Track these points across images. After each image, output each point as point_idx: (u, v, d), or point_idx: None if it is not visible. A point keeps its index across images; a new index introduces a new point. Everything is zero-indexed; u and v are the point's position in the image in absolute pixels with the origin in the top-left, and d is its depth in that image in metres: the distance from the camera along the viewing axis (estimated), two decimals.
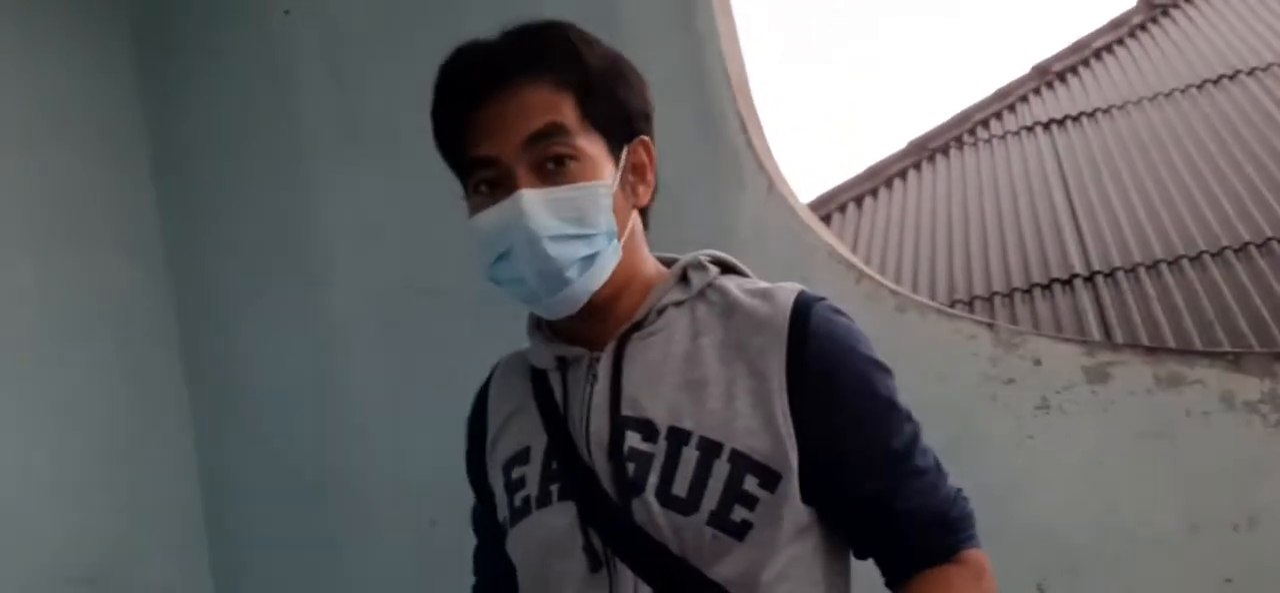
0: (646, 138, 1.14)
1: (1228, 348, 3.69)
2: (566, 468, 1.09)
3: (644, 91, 1.15)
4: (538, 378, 1.16)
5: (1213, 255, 4.47)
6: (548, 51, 1.08)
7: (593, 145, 1.07)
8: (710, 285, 1.13)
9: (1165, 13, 7.19)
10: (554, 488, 1.10)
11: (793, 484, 1.04)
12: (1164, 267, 4.54)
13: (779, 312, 1.07)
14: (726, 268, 1.17)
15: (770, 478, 1.03)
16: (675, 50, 1.79)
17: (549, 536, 1.09)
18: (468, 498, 1.27)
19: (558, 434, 1.11)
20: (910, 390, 1.63)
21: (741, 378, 1.06)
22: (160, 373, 2.01)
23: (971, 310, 4.76)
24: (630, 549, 1.05)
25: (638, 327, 1.11)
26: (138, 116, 2.07)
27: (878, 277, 1.74)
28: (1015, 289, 4.81)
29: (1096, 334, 4.19)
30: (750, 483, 1.03)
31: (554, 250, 1.04)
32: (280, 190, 1.98)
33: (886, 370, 1.11)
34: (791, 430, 1.04)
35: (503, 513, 1.16)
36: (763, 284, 1.14)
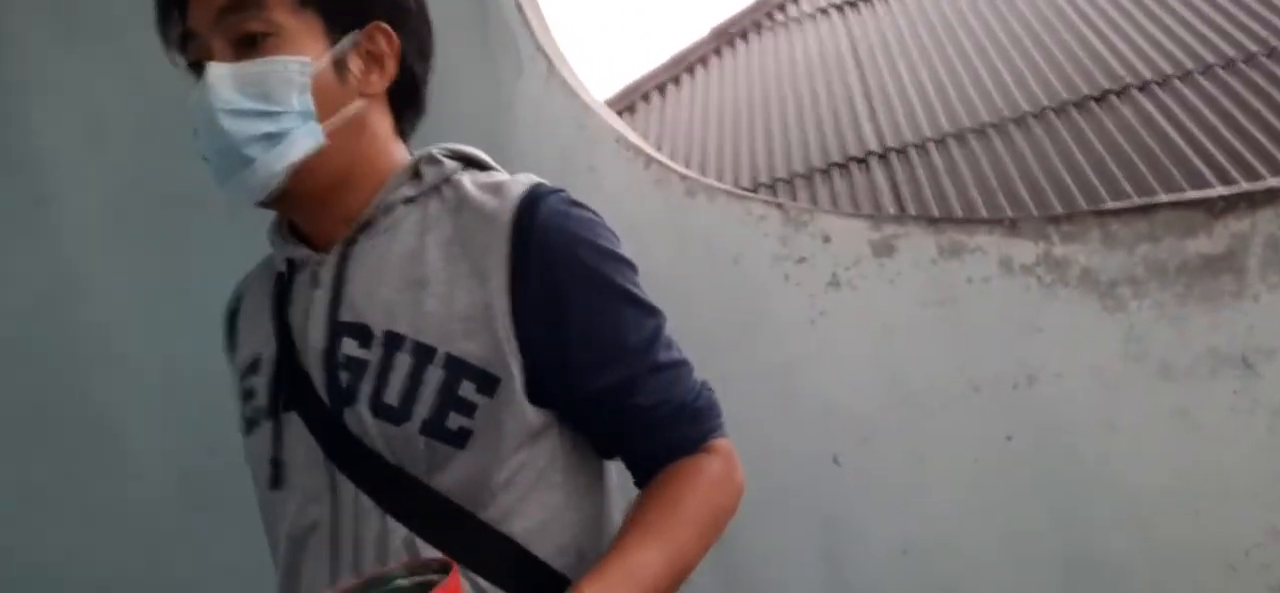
0: (385, 25, 1.05)
1: (1007, 215, 3.87)
2: (287, 377, 1.03)
3: None
4: (279, 280, 1.09)
5: (994, 127, 4.68)
6: None
7: (299, 23, 1.00)
8: (445, 181, 1.06)
9: None
10: (280, 398, 1.04)
11: (514, 388, 0.99)
12: (951, 140, 4.72)
13: (504, 207, 1.02)
14: (470, 162, 1.10)
15: (488, 383, 0.99)
16: None
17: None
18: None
19: (283, 341, 1.05)
20: (703, 273, 1.62)
21: (463, 278, 1.00)
22: None
23: (774, 192, 4.83)
24: (346, 461, 1.00)
25: (366, 226, 1.05)
26: None
27: (667, 161, 1.69)
28: (815, 169, 4.92)
29: (891, 210, 4.33)
30: (467, 389, 0.98)
31: (230, 125, 0.97)
32: None
33: (627, 263, 1.06)
34: (512, 332, 0.99)
35: (239, 424, 1.10)
36: (499, 178, 1.08)
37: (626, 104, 6.44)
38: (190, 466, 1.71)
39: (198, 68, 1.01)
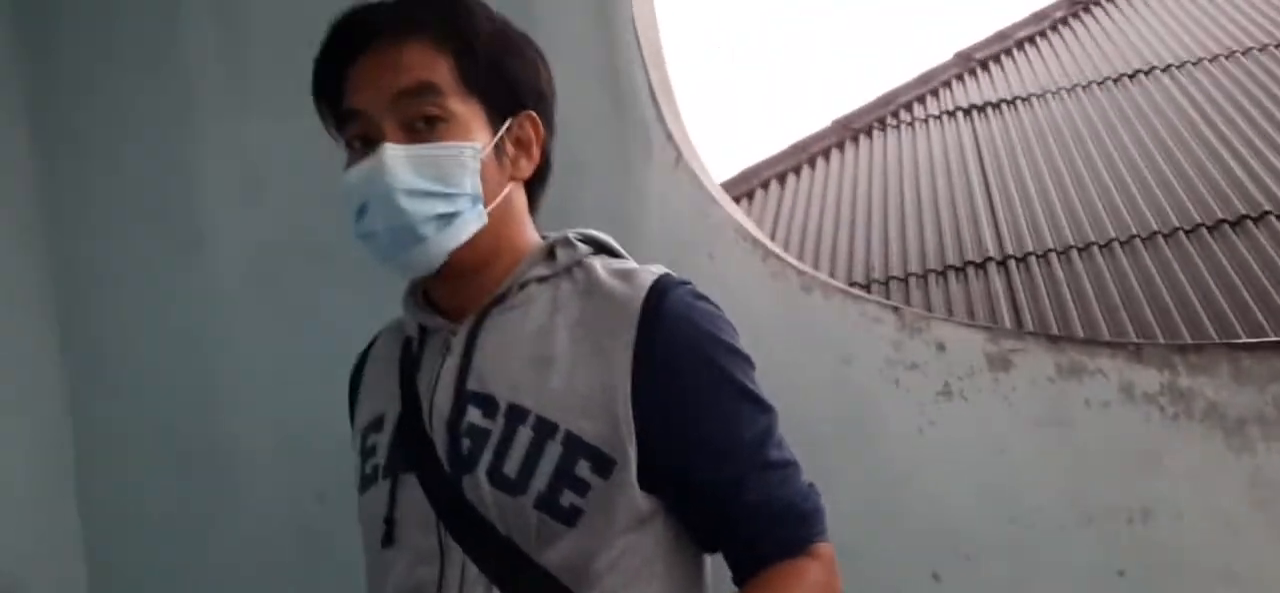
0: (534, 114, 1.12)
1: (1131, 338, 3.75)
2: (409, 439, 1.07)
3: (536, 67, 1.14)
4: (408, 345, 1.14)
5: (1122, 244, 4.56)
6: (431, 10, 1.06)
7: (468, 109, 1.06)
8: (577, 264, 1.11)
9: (1086, 9, 7.36)
10: (400, 458, 1.09)
11: (628, 473, 1.01)
12: (1075, 253, 4.61)
13: (634, 295, 1.05)
14: (600, 248, 1.15)
15: (604, 464, 1.01)
16: (586, 16, 1.72)
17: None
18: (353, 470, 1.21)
19: (409, 404, 1.09)
20: (814, 371, 1.62)
21: (587, 358, 1.03)
22: (31, 332, 1.88)
23: (887, 291, 4.78)
24: (459, 527, 1.03)
25: (499, 301, 1.09)
26: (9, 53, 1.93)
27: (784, 255, 1.70)
28: (930, 271, 4.86)
29: (1007, 318, 4.24)
30: (582, 468, 1.00)
31: (408, 205, 1.02)
32: (162, 136, 1.85)
33: (745, 359, 1.08)
34: (631, 417, 1.01)
35: (356, 479, 1.14)
36: (629, 266, 1.11)
37: (745, 189, 6.49)
38: (299, 517, 1.77)
39: (361, 143, 1.06)
